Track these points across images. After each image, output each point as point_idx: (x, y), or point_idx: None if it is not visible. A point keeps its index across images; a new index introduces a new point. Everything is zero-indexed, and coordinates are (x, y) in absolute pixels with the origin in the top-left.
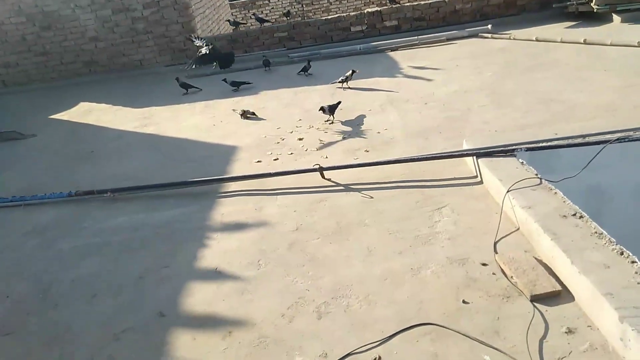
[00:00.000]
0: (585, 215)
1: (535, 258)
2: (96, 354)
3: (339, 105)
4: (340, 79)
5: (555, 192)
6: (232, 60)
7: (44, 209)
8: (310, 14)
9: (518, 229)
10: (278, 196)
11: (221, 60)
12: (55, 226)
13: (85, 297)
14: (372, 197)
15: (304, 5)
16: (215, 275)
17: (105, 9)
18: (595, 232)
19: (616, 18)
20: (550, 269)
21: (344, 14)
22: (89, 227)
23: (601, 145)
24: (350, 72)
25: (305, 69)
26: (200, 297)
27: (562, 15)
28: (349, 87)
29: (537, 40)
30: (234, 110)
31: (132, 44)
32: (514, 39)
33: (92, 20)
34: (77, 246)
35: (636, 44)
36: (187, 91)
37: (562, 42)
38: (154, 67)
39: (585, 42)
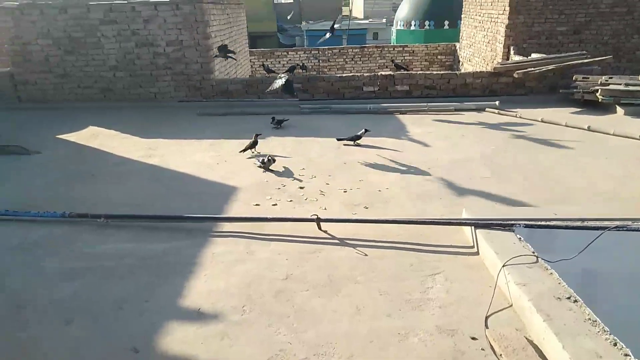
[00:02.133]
0: (580, 300)
1: (526, 338)
2: None
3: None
4: (350, 137)
5: (551, 273)
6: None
7: (35, 226)
8: (326, 70)
9: (511, 305)
10: (272, 242)
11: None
12: (43, 245)
13: (60, 321)
14: (366, 255)
15: (320, 61)
16: (197, 315)
17: (130, 42)
18: (589, 319)
19: (619, 110)
20: (541, 351)
21: (358, 74)
22: (77, 250)
23: (599, 231)
24: (363, 130)
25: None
26: (178, 336)
27: (568, 100)
28: (358, 145)
29: (542, 121)
30: (254, 158)
31: (150, 77)
32: (520, 117)
33: (115, 50)
34: (61, 267)
35: (637, 137)
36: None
37: (566, 126)
38: (168, 101)
39: (589, 129)
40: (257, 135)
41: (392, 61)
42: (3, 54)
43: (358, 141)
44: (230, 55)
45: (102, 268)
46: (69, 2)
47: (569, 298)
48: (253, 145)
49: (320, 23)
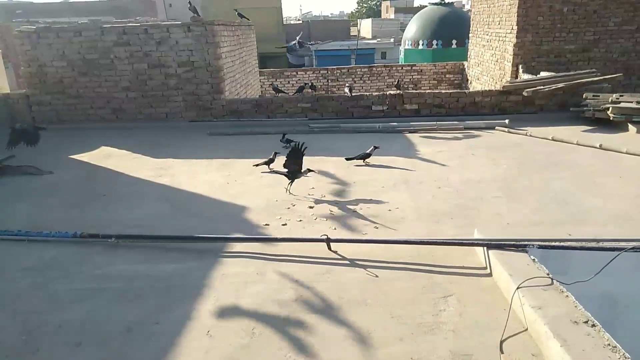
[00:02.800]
0: (598, 324)
1: None
2: None
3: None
4: (359, 155)
5: (567, 295)
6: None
7: (46, 246)
8: (334, 89)
9: (526, 329)
10: (282, 263)
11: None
12: (54, 266)
13: (69, 345)
14: (377, 276)
15: (329, 80)
16: (207, 338)
17: (142, 63)
18: (609, 345)
19: (632, 128)
20: None
21: (367, 93)
22: (87, 271)
23: (615, 252)
24: (372, 147)
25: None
26: None
27: (579, 119)
28: (367, 164)
29: (553, 139)
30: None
31: (161, 98)
32: (531, 135)
33: (128, 72)
34: (71, 289)
35: None
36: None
37: (577, 144)
38: (179, 121)
39: (600, 147)
40: (275, 153)
41: (396, 82)
42: (19, 75)
43: (367, 160)
44: (31, 142)
45: (112, 290)
46: (83, 25)
47: (586, 322)
48: (270, 162)
49: (329, 43)
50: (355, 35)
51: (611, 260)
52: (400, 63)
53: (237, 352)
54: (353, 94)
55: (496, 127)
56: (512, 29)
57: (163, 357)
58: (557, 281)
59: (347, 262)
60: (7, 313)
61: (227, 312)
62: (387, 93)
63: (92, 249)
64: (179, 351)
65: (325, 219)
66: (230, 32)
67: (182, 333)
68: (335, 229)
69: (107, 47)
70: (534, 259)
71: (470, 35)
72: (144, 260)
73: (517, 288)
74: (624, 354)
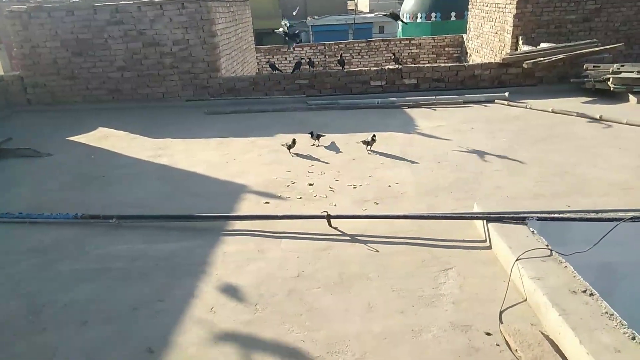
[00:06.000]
0: (596, 293)
1: (542, 333)
2: None
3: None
4: (361, 141)
5: (566, 266)
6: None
7: (48, 228)
8: (332, 65)
9: (525, 300)
10: (282, 240)
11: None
12: (56, 247)
13: (76, 324)
14: (377, 251)
15: (327, 56)
16: (210, 315)
17: (137, 42)
18: (606, 312)
19: (632, 98)
20: (557, 346)
21: (365, 69)
22: (90, 252)
23: (614, 223)
24: (371, 137)
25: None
26: (192, 337)
27: (579, 90)
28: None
29: (553, 112)
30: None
31: (157, 77)
32: (531, 108)
33: (122, 51)
34: (75, 269)
35: None
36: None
37: (577, 116)
38: (175, 100)
39: (601, 119)
40: (294, 140)
41: (393, 55)
42: (12, 57)
43: (370, 148)
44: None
45: (116, 269)
46: (75, 4)
47: (584, 291)
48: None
49: (326, 18)
50: (353, 10)
51: (610, 231)
52: (398, 37)
53: (241, 328)
54: (346, 68)
55: (496, 100)
56: None
57: (168, 334)
58: (556, 252)
59: (348, 237)
60: (12, 294)
61: (230, 289)
62: (386, 68)
63: (93, 230)
64: (183, 328)
65: (325, 196)
66: (225, 8)
67: (186, 310)
68: (335, 205)
69: (100, 26)
70: (533, 231)
71: (469, 6)
72: (146, 240)
73: (517, 260)
74: (620, 321)
